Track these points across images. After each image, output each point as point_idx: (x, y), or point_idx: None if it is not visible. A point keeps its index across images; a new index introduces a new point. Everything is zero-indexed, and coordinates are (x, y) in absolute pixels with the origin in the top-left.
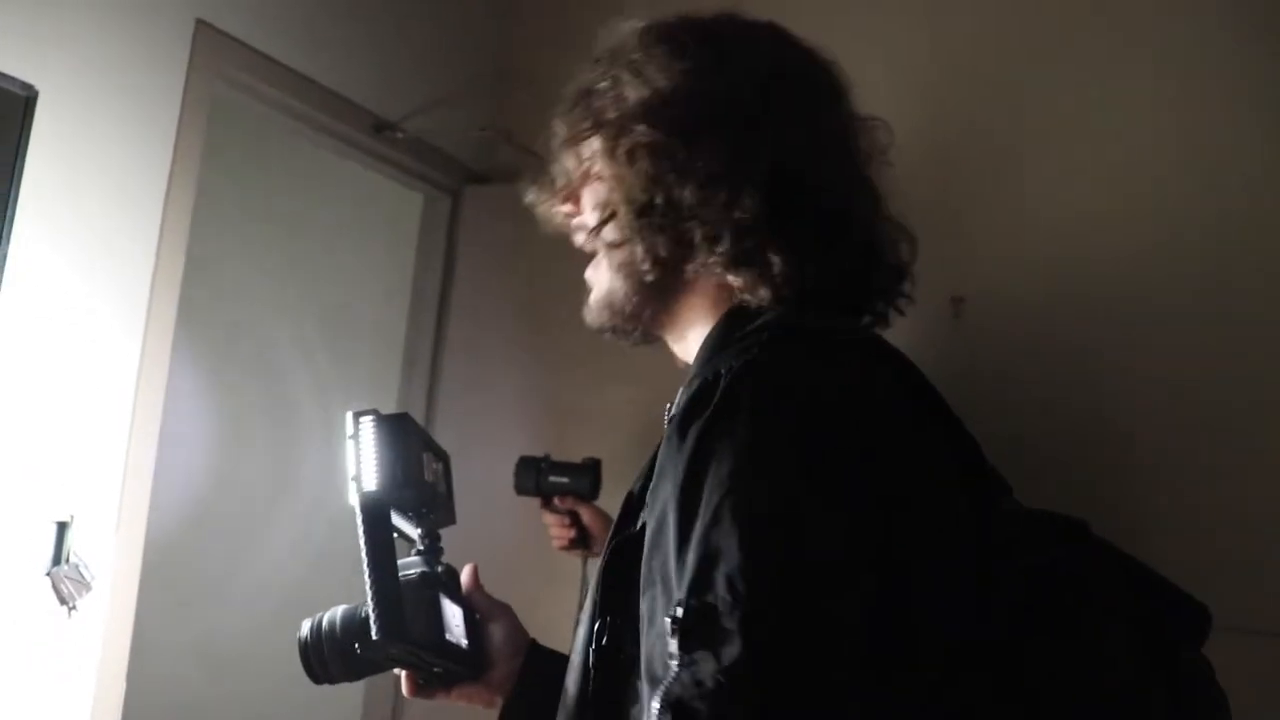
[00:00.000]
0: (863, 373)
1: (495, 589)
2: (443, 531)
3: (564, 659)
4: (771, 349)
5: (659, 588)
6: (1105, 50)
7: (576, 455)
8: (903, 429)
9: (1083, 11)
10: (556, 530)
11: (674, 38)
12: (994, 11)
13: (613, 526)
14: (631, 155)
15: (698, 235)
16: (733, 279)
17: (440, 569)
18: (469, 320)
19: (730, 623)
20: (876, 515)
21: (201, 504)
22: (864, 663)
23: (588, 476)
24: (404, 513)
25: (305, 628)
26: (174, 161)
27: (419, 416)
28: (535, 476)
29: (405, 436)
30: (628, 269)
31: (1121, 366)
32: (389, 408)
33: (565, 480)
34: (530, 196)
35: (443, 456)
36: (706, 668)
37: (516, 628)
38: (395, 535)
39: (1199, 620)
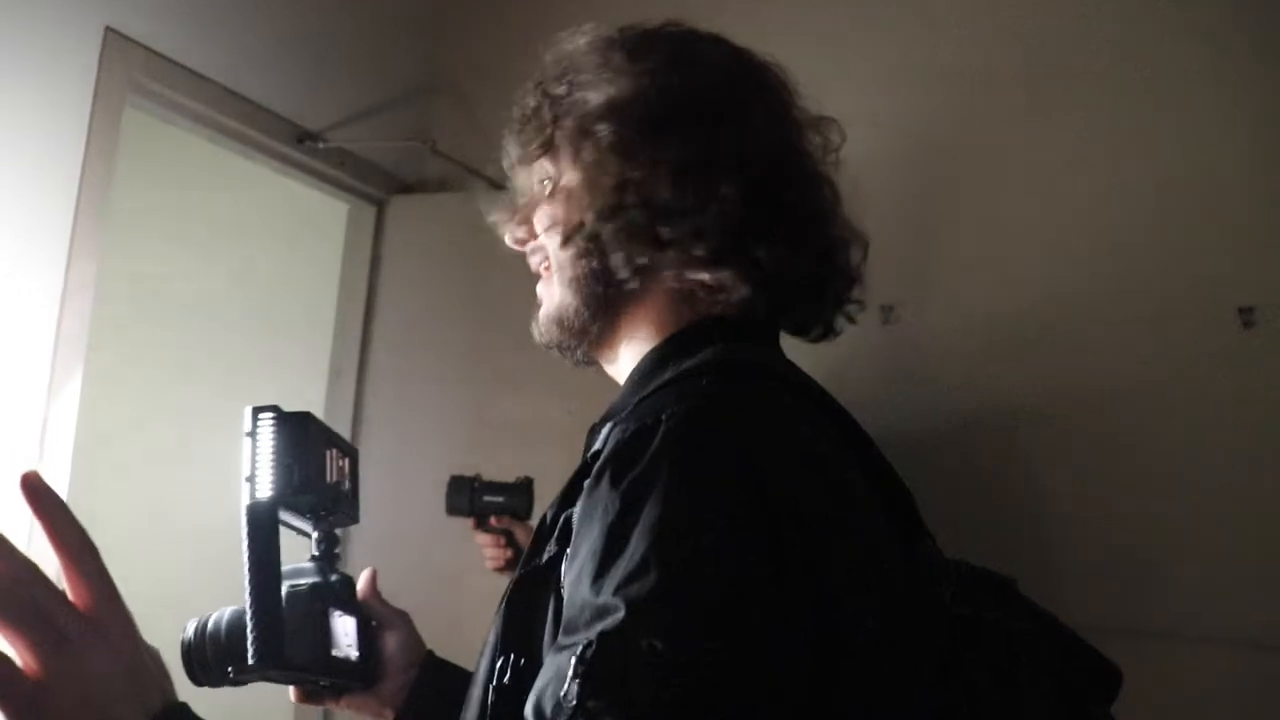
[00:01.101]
0: (801, 428)
1: (426, 608)
2: (380, 555)
3: (459, 672)
4: (713, 399)
5: (576, 635)
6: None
7: (508, 470)
8: (839, 487)
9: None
10: (491, 551)
11: (629, 43)
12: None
13: (523, 557)
14: (596, 157)
15: (675, 232)
16: (711, 278)
17: (335, 577)
18: (396, 330)
19: (644, 677)
20: (808, 579)
21: (128, 515)
22: None
23: (522, 496)
24: (301, 515)
25: (190, 629)
26: (83, 174)
27: (346, 429)
28: (469, 497)
29: (306, 436)
30: (583, 282)
31: (1054, 374)
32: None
33: (500, 500)
34: (493, 218)
35: (349, 452)
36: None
37: (411, 638)
38: (298, 531)
39: (1110, 679)
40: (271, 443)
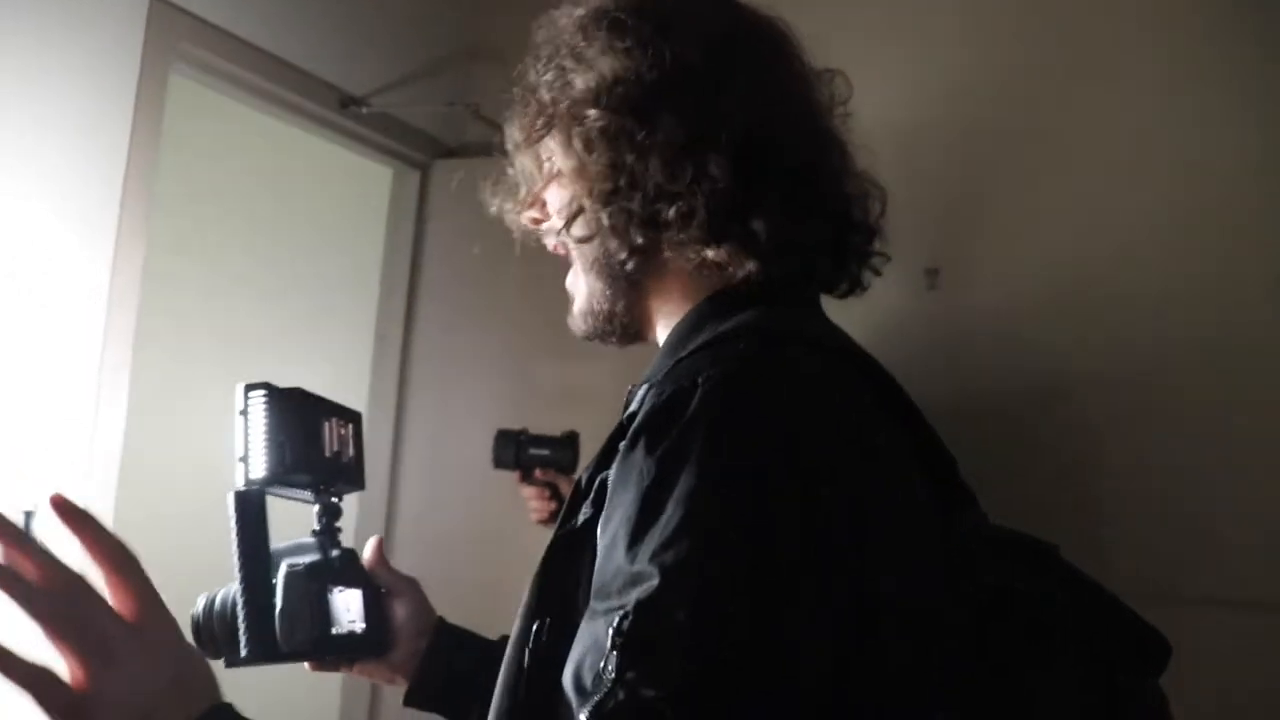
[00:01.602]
0: (837, 394)
1: (469, 564)
2: (427, 514)
3: (471, 639)
4: (749, 364)
5: (609, 600)
6: (1113, 36)
7: (553, 429)
8: (874, 453)
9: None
10: (536, 503)
11: (613, 18)
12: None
13: (559, 520)
14: (588, 143)
15: (670, 213)
16: (713, 254)
17: (336, 553)
18: (440, 294)
19: (676, 646)
20: (841, 547)
21: (174, 492)
22: (818, 698)
23: (568, 449)
24: (299, 489)
25: (200, 604)
26: (132, 141)
27: (391, 393)
28: (514, 449)
29: (300, 410)
30: (600, 264)
31: (1101, 335)
32: (362, 384)
33: (545, 453)
34: (495, 205)
35: (350, 417)
36: (645, 691)
37: (421, 606)
38: (300, 500)
39: (1158, 651)
40: (264, 420)
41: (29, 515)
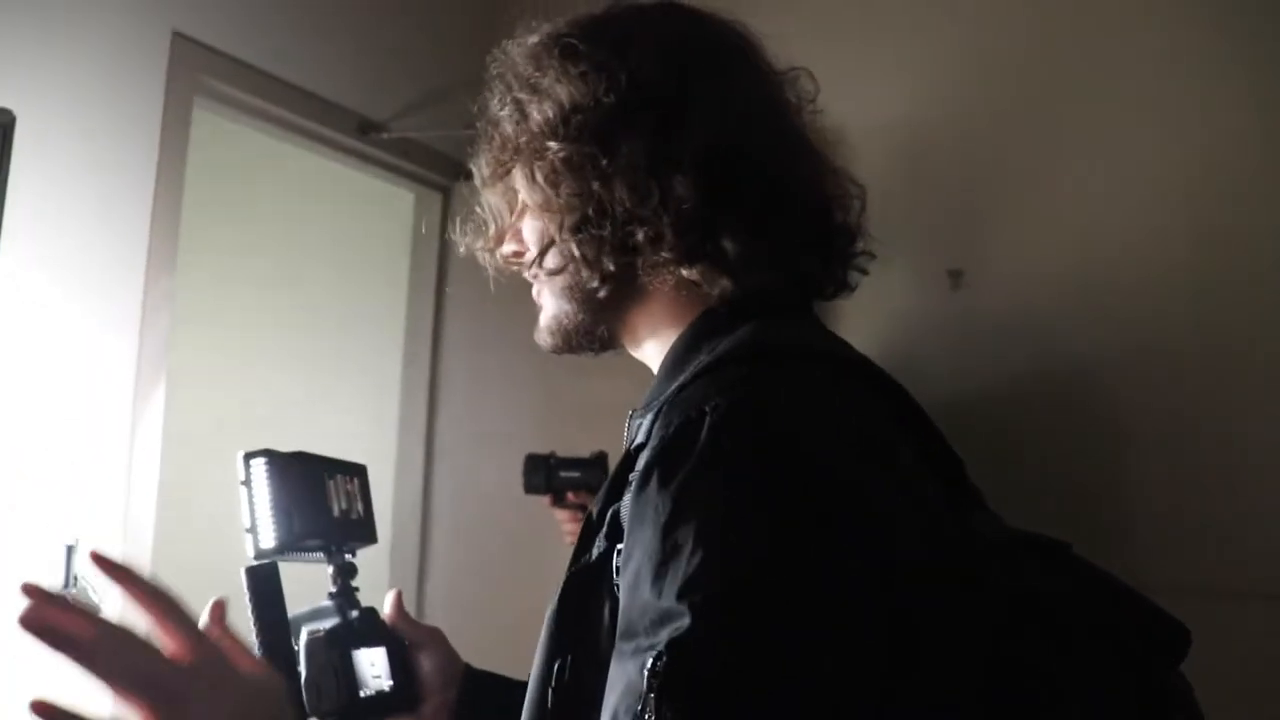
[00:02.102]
0: (850, 406)
1: (502, 588)
2: (462, 537)
3: (499, 683)
4: (754, 387)
5: (637, 640)
6: (1134, 34)
7: (582, 448)
8: (891, 468)
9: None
10: (570, 525)
11: (566, 44)
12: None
13: (572, 554)
14: (551, 176)
15: (640, 237)
16: (687, 274)
17: (355, 613)
18: (466, 315)
19: (715, 684)
20: (871, 567)
21: (211, 520)
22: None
23: (597, 469)
24: (310, 553)
25: None
26: (158, 177)
27: (421, 416)
28: (544, 473)
29: (303, 474)
30: (574, 291)
31: (1123, 340)
32: (392, 409)
33: (575, 475)
34: (465, 244)
35: (356, 472)
36: None
37: (447, 657)
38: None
39: (1178, 640)
40: (267, 489)
41: (70, 549)
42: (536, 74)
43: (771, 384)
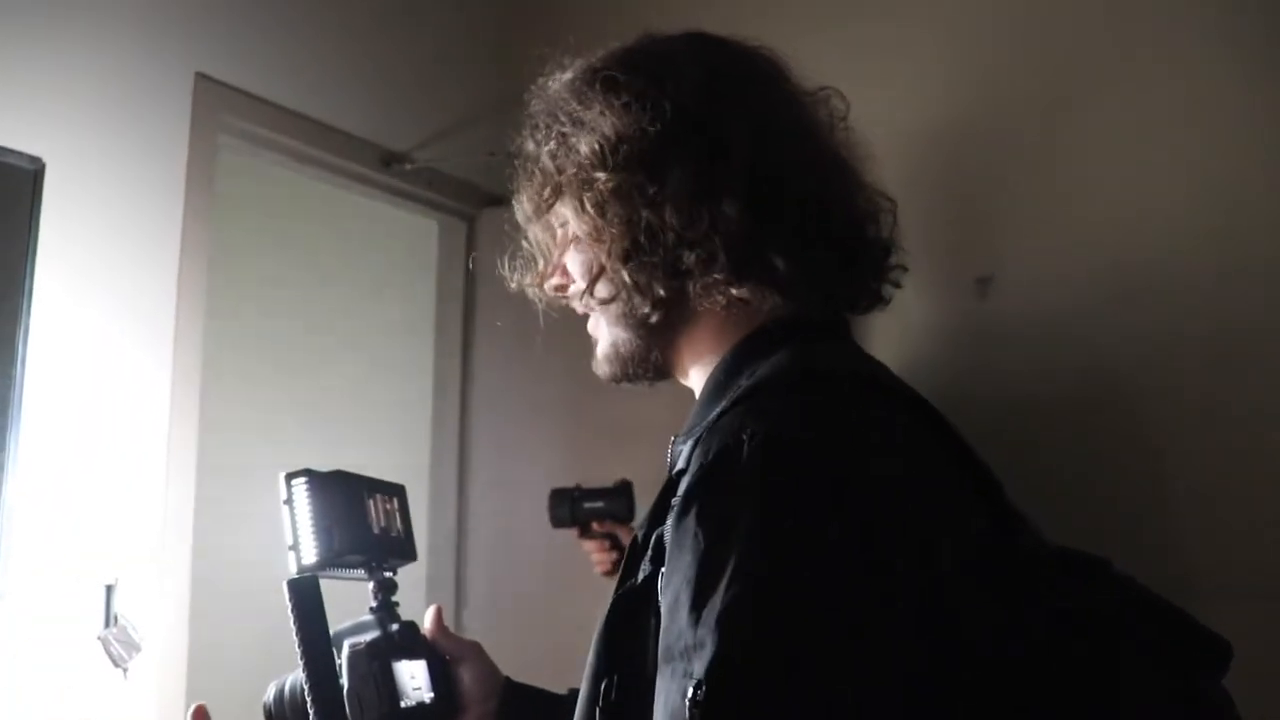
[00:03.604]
0: (886, 432)
1: (539, 612)
2: (496, 568)
3: (540, 695)
4: (792, 414)
5: (675, 664)
6: (1155, 35)
7: (616, 473)
8: (934, 493)
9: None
10: (598, 555)
11: (605, 76)
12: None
13: (618, 577)
14: (601, 206)
15: (691, 260)
16: (738, 293)
17: (395, 626)
18: (495, 343)
19: (743, 707)
20: (913, 595)
21: (244, 552)
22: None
23: (621, 499)
24: (352, 569)
25: (271, 693)
26: (185, 217)
27: (453, 444)
28: (570, 507)
29: (343, 492)
30: (626, 318)
31: (1155, 349)
32: (423, 438)
33: (600, 505)
34: (515, 280)
35: (394, 491)
36: None
37: (487, 669)
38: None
39: (1219, 653)
40: (309, 507)
41: (110, 589)
42: (579, 108)
43: (809, 412)
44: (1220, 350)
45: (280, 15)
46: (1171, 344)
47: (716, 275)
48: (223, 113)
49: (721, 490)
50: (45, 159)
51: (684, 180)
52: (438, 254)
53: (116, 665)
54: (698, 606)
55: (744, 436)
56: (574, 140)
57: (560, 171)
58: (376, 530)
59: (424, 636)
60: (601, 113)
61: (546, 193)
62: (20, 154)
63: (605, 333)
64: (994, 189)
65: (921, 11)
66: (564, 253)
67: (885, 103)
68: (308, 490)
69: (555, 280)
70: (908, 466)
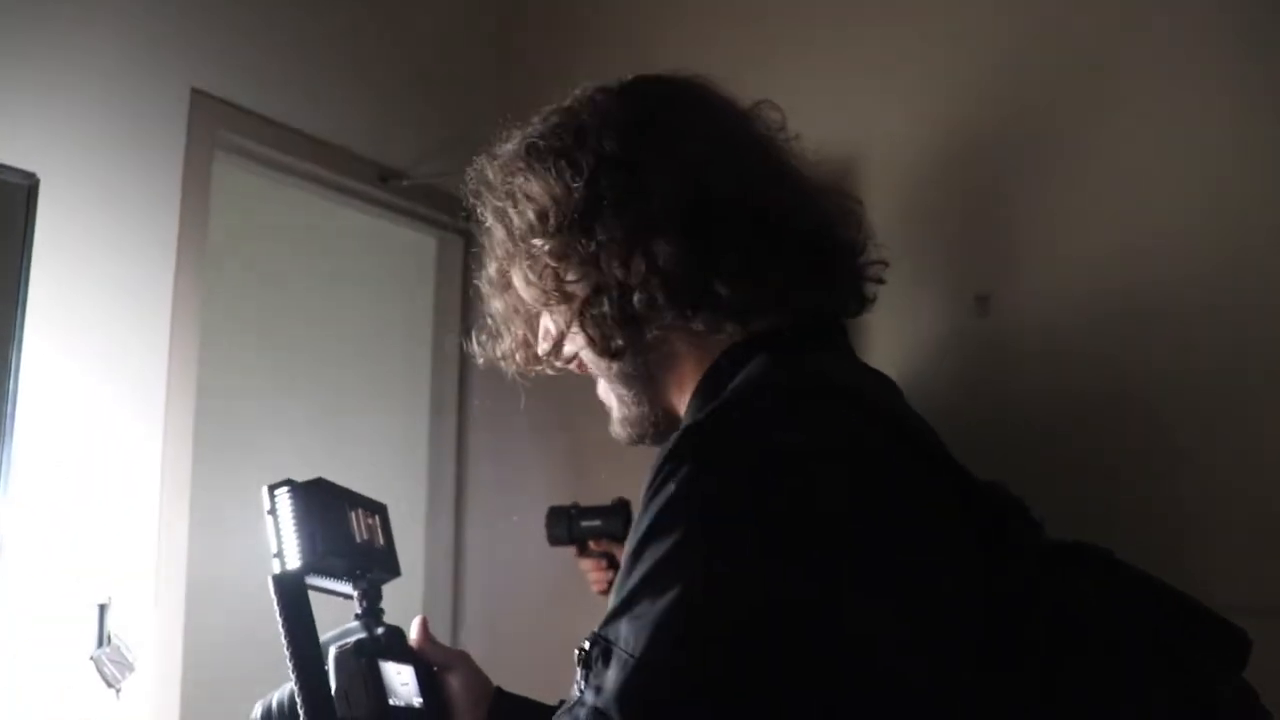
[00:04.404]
0: (830, 432)
1: (540, 637)
2: (494, 586)
3: (529, 704)
4: (709, 444)
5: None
6: (1154, 47)
7: (613, 492)
8: (872, 491)
9: (1133, 10)
10: (595, 574)
11: (529, 144)
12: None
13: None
14: (543, 271)
15: (637, 305)
16: (695, 327)
17: (381, 630)
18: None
19: (617, 664)
20: (827, 592)
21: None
22: None
23: (618, 516)
24: (337, 578)
25: (258, 712)
26: (180, 233)
27: (450, 462)
28: (567, 525)
29: (325, 501)
30: (610, 371)
31: (1163, 368)
32: (421, 452)
33: (597, 523)
34: (482, 358)
35: (376, 509)
36: (588, 700)
37: (475, 676)
38: (339, 595)
39: (1237, 645)
40: (291, 514)
41: (103, 608)
42: (509, 180)
43: (749, 413)
44: (1226, 367)
45: (276, 30)
46: (1175, 360)
47: (665, 315)
48: (218, 128)
49: (645, 509)
50: (40, 174)
51: (615, 229)
52: (435, 270)
53: (109, 685)
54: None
55: (672, 461)
56: (510, 214)
57: (502, 246)
58: (359, 540)
59: (409, 644)
60: (529, 181)
61: (494, 270)
62: (14, 170)
63: (612, 395)
64: (994, 205)
65: (920, 27)
66: (529, 323)
67: (884, 118)
68: (290, 498)
69: (522, 354)
70: (854, 474)
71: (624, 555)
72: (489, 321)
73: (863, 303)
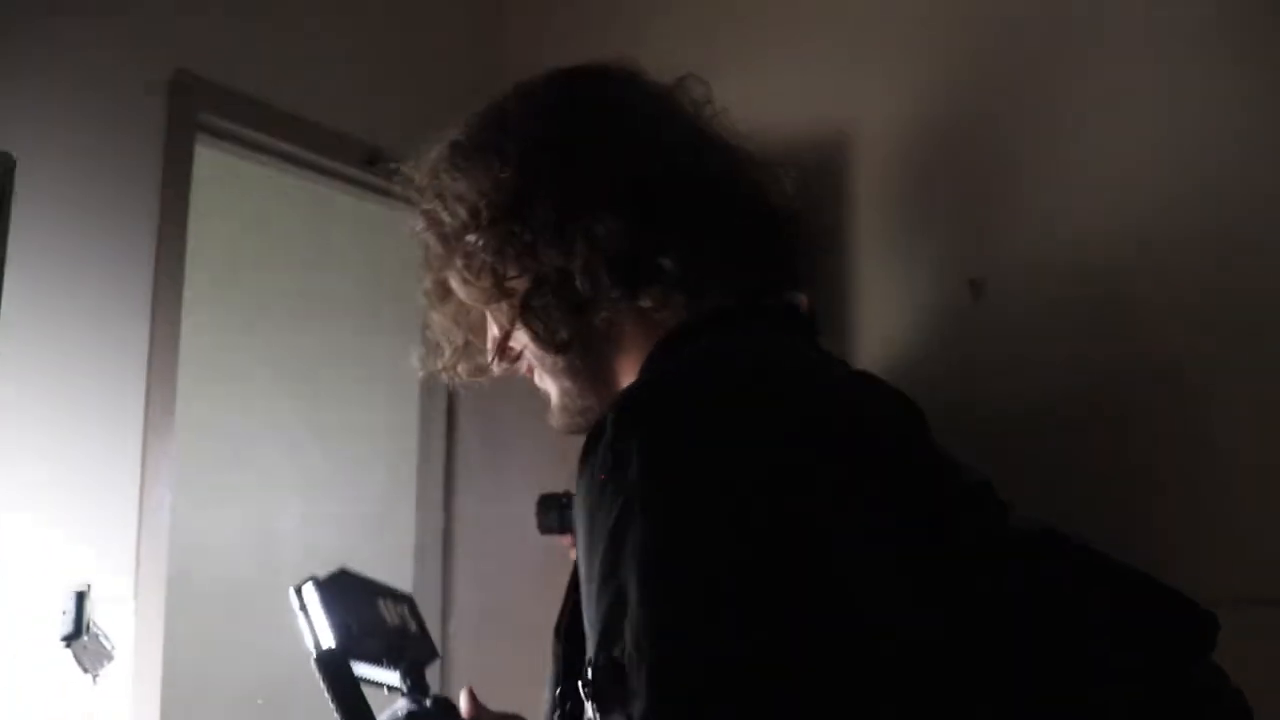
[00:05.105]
0: (762, 406)
1: (530, 625)
2: (489, 580)
3: None
4: (669, 379)
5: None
6: (1153, 28)
7: None
8: (807, 455)
9: None
10: None
11: (453, 143)
12: None
13: (569, 581)
14: (479, 269)
15: (582, 288)
16: (642, 304)
17: (429, 701)
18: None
19: (637, 680)
20: (786, 541)
21: (232, 572)
22: (790, 697)
23: None
24: (376, 662)
25: None
26: (161, 215)
27: (440, 449)
28: (559, 513)
29: (351, 590)
30: (555, 367)
31: (1159, 353)
32: (410, 443)
33: None
34: (426, 369)
35: (403, 598)
36: None
37: None
38: (381, 685)
39: (1204, 628)
40: (321, 606)
41: (81, 595)
42: (436, 182)
43: (687, 380)
44: (1219, 353)
45: (258, 7)
46: (1168, 345)
47: (610, 293)
48: (200, 109)
49: (591, 456)
50: (16, 155)
51: (548, 213)
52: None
53: (86, 672)
54: (589, 578)
55: (598, 432)
56: (441, 216)
57: (436, 248)
58: (390, 624)
59: (459, 713)
60: (457, 180)
61: (430, 282)
62: None
63: (552, 386)
64: (988, 189)
65: (914, 11)
66: (469, 331)
67: (876, 100)
68: (317, 592)
69: (460, 365)
70: (788, 437)
71: (579, 560)
72: (427, 335)
73: (801, 272)
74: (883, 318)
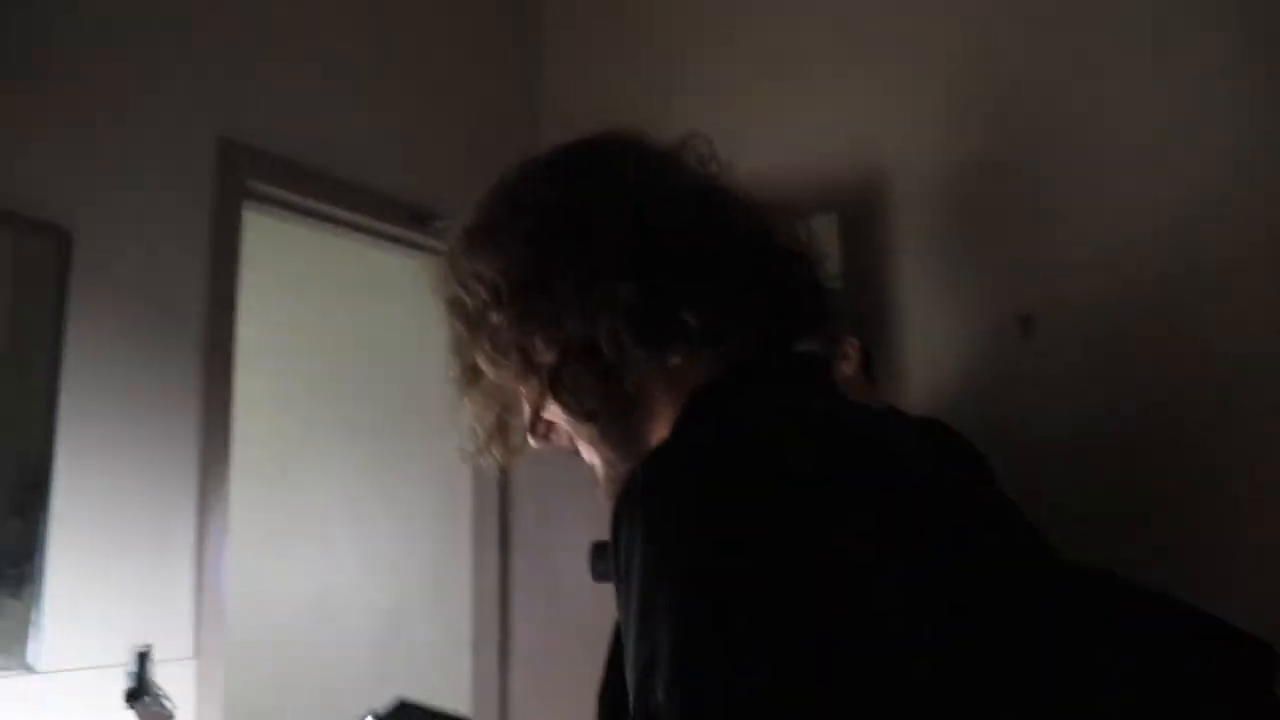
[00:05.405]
0: (776, 443)
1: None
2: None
3: None
4: (683, 436)
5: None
6: (1188, 49)
7: None
8: (831, 502)
9: (1165, 11)
10: None
11: (466, 232)
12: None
13: (610, 647)
14: (505, 347)
15: (611, 353)
16: (670, 362)
17: None
18: None
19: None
20: (810, 581)
21: (291, 634)
22: None
23: None
24: None
25: None
26: (210, 281)
27: (494, 500)
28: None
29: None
30: (592, 437)
31: (1210, 389)
32: (465, 493)
33: None
34: (467, 458)
35: None
36: None
37: None
38: None
39: (1266, 661)
40: None
41: (143, 656)
42: (453, 267)
43: (695, 435)
44: (1273, 389)
45: (303, 76)
46: (1220, 380)
47: (636, 354)
48: (246, 175)
49: (620, 511)
50: (72, 231)
51: (566, 282)
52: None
53: None
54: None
55: (629, 482)
56: (464, 299)
57: (463, 336)
58: None
59: None
60: (478, 265)
61: (459, 369)
62: (48, 225)
63: (593, 457)
64: (1035, 224)
65: (949, 48)
66: (502, 412)
67: (917, 140)
68: None
69: (495, 447)
70: (810, 482)
71: (619, 617)
72: (463, 425)
73: (825, 318)
74: (929, 354)
